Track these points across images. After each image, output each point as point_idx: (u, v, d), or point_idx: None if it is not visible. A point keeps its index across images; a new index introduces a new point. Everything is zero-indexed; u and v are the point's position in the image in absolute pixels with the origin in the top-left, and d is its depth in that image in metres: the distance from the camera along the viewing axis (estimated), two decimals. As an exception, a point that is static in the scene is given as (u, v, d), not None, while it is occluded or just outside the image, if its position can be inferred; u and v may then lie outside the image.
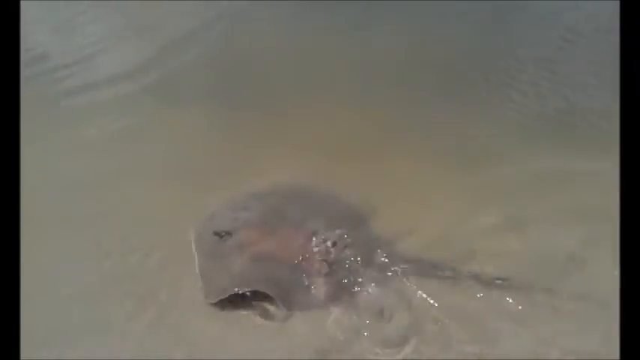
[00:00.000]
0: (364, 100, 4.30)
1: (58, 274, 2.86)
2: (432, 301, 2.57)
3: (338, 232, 2.84)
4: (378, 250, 2.80)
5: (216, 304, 2.59)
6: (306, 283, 2.65)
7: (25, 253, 2.26)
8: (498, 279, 2.64)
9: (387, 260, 2.76)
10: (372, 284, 2.66)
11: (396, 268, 2.72)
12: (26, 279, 2.26)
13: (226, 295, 2.55)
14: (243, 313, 2.60)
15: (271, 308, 2.61)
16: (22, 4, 3.26)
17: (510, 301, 2.56)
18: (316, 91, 4.41)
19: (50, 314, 2.66)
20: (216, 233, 2.87)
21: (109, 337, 2.55)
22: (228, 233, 2.86)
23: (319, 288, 2.64)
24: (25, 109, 2.70)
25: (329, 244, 2.78)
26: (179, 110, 4.28)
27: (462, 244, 2.87)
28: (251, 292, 2.59)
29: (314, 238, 2.81)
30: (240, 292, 2.56)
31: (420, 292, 2.62)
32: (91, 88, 4.60)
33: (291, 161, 3.60)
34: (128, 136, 4.00)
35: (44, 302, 2.71)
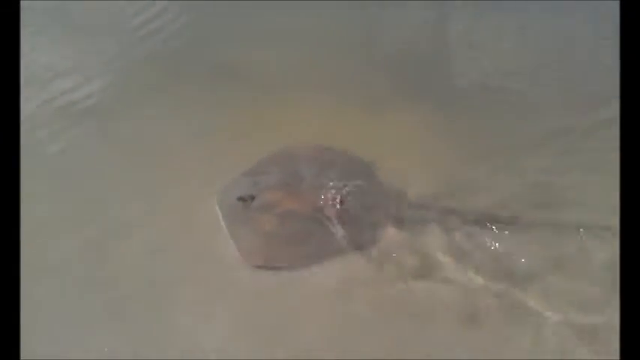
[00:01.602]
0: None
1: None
2: (443, 241, 2.83)
3: (353, 184, 3.04)
4: (393, 198, 3.03)
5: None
6: (333, 234, 2.85)
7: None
8: (513, 218, 2.87)
9: (402, 206, 2.99)
10: (394, 229, 2.89)
11: (412, 213, 2.96)
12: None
13: (274, 265, 2.73)
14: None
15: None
16: None
17: (527, 237, 2.80)
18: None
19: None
20: (240, 198, 2.96)
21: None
22: (252, 197, 2.96)
23: (346, 236, 2.84)
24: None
25: (345, 195, 2.97)
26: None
27: (469, 189, 3.09)
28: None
29: (333, 192, 2.98)
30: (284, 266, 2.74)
31: (437, 232, 2.88)
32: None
33: (298, 125, 3.71)
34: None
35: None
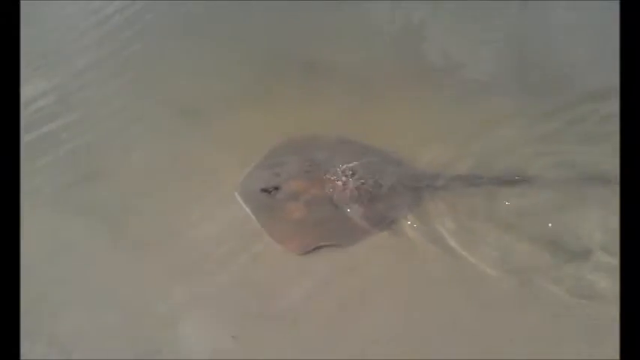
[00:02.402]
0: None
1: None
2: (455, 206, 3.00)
3: (367, 161, 3.19)
4: (409, 170, 3.22)
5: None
6: (356, 214, 2.99)
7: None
8: (517, 178, 3.10)
9: (418, 177, 3.18)
10: (413, 201, 3.06)
11: (429, 183, 3.14)
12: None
13: (315, 247, 2.83)
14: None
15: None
16: None
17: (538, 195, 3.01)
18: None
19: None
20: (265, 190, 3.02)
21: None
22: (276, 188, 3.03)
23: (369, 214, 2.98)
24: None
25: (359, 174, 3.10)
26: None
27: (475, 155, 3.30)
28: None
29: (351, 174, 3.11)
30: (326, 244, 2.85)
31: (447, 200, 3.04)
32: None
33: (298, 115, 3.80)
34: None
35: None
